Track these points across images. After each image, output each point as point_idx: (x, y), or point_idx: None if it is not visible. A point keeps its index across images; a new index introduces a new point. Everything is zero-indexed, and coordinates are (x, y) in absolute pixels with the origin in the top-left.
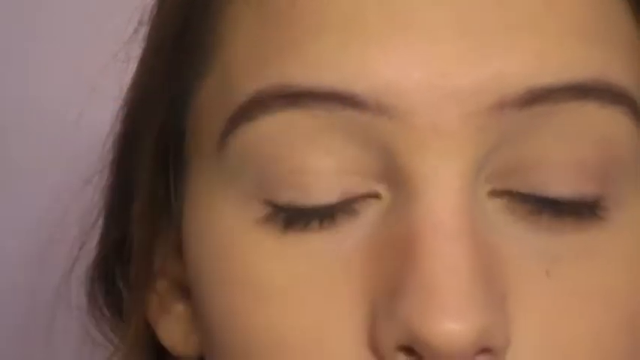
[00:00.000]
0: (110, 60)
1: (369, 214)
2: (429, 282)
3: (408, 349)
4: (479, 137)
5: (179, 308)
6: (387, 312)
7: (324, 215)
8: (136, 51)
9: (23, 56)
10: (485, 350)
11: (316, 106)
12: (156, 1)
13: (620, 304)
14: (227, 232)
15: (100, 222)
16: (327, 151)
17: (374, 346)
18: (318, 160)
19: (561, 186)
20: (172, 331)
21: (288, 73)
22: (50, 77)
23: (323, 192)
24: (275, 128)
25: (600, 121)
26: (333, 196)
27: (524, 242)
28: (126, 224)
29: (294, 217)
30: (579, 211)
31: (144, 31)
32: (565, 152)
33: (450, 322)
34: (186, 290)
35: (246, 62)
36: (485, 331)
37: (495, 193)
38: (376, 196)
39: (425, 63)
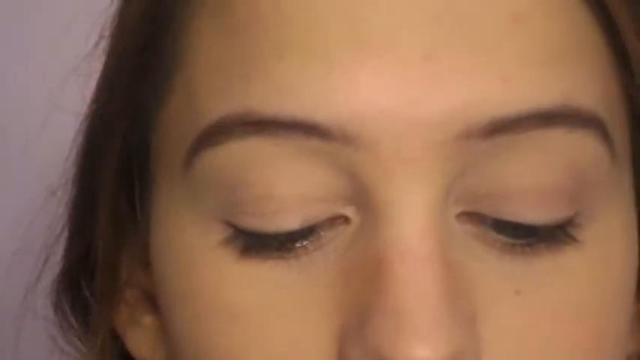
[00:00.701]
0: (72, 72)
1: (338, 240)
2: (398, 307)
3: None
4: (445, 165)
5: (147, 319)
6: (356, 337)
7: (283, 242)
8: (99, 63)
9: None
10: None
11: (280, 134)
12: (116, 11)
13: (590, 321)
14: (191, 253)
15: (65, 234)
16: (293, 178)
17: None
18: (282, 187)
19: (532, 214)
20: (141, 342)
21: (251, 99)
22: (12, 89)
23: (285, 219)
24: (239, 154)
25: (568, 145)
26: (294, 224)
27: (494, 264)
28: (90, 238)
29: (253, 242)
30: (553, 234)
31: (105, 43)
32: (534, 178)
33: (420, 348)
34: (154, 301)
35: (210, 81)
36: (456, 354)
37: (465, 217)
38: (345, 219)
39: (391, 90)
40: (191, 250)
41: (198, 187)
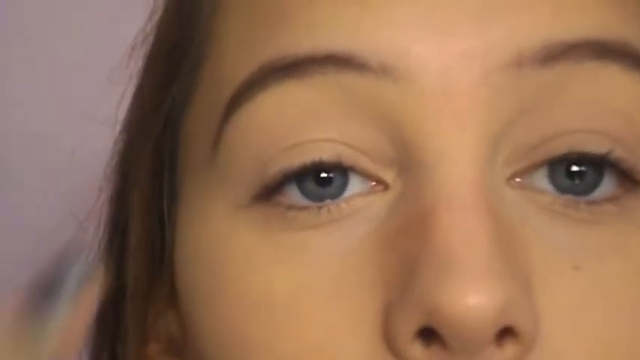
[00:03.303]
0: (105, 90)
1: (376, 205)
2: (444, 253)
3: (425, 334)
4: (495, 99)
5: None
6: (401, 297)
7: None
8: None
9: (16, 84)
10: (509, 331)
11: (311, 73)
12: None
13: None
14: (220, 239)
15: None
16: (328, 126)
17: (389, 339)
18: (317, 132)
19: (588, 146)
20: None
21: (280, 45)
22: (45, 108)
23: (319, 152)
24: (270, 106)
25: (623, 87)
26: (330, 158)
27: (549, 233)
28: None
29: (284, 210)
30: (612, 186)
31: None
32: (589, 120)
33: (472, 294)
34: (180, 348)
35: (239, 49)
36: (509, 304)
37: (516, 182)
38: (384, 186)
39: (432, 20)
40: (222, 237)
41: (228, 160)
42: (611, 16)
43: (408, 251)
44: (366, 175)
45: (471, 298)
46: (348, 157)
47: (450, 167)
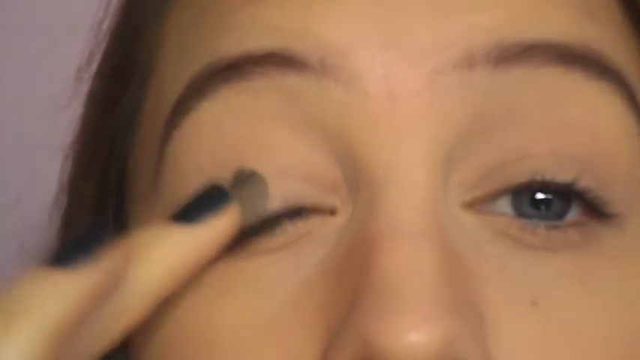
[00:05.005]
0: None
1: (328, 229)
2: (383, 285)
3: None
4: (444, 103)
5: None
6: (339, 332)
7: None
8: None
9: None
10: None
11: (252, 76)
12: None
13: (619, 337)
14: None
15: None
16: (270, 150)
17: None
18: (258, 162)
19: (552, 172)
20: None
21: (217, 49)
22: None
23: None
24: (210, 117)
25: (588, 99)
26: (274, 203)
27: (504, 263)
28: None
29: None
30: (574, 219)
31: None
32: (552, 140)
33: (410, 329)
34: None
35: (178, 62)
36: (455, 342)
37: (472, 204)
38: (331, 212)
39: (379, 18)
40: None
41: (170, 187)
42: (575, 19)
43: (351, 282)
44: (313, 210)
45: (412, 335)
46: (292, 195)
47: (397, 189)
